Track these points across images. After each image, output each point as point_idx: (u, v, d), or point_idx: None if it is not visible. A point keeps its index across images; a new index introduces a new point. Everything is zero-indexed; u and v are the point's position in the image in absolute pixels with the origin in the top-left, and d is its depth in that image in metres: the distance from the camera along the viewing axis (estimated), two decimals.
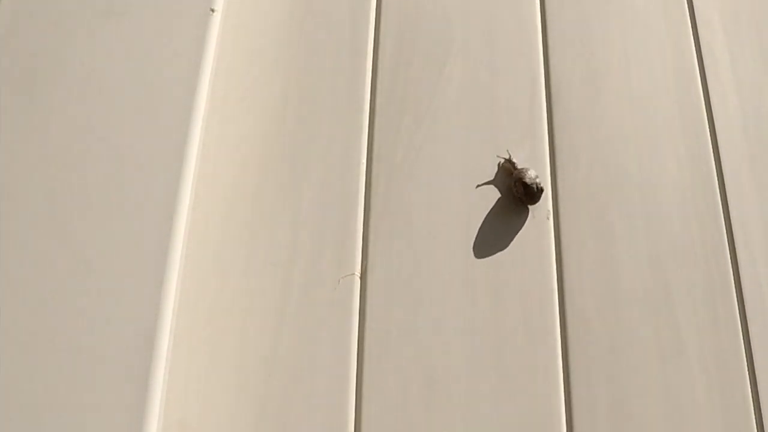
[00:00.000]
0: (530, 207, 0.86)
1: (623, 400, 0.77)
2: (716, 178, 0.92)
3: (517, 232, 0.85)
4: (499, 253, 0.83)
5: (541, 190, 0.85)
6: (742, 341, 0.82)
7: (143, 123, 0.72)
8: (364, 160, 0.85)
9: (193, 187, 0.71)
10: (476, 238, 0.83)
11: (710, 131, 0.95)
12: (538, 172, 0.87)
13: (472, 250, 0.83)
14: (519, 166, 0.87)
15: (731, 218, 0.89)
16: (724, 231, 0.88)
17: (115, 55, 0.75)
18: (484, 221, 0.85)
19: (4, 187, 0.68)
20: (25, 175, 0.69)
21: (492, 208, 0.86)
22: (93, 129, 0.72)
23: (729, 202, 0.90)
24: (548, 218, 0.86)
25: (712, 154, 0.93)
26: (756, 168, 0.93)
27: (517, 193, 0.85)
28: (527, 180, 0.84)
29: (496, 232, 0.84)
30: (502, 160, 0.88)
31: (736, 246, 0.87)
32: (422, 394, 0.74)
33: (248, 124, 0.85)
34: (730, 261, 0.86)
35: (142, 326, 0.63)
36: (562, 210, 0.87)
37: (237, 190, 0.81)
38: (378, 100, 0.90)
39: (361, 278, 0.79)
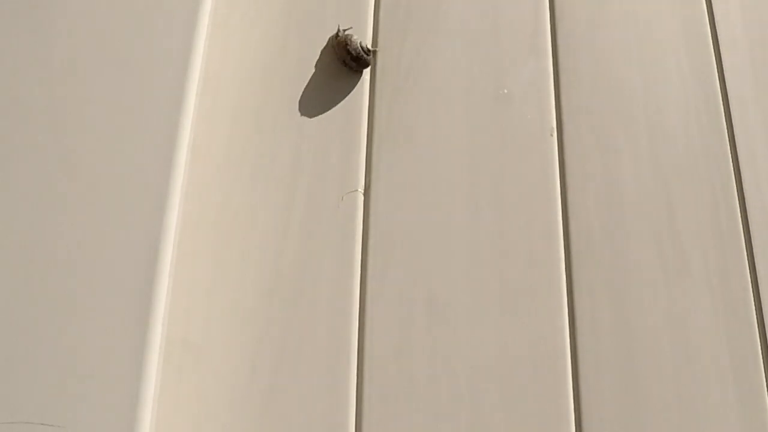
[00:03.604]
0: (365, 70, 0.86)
1: (627, 318, 0.77)
2: (720, 92, 0.91)
3: (348, 94, 0.84)
4: (502, 170, 0.83)
5: (368, 52, 0.84)
6: (745, 256, 0.82)
7: (146, 40, 0.72)
8: (367, 77, 0.85)
9: (197, 103, 0.71)
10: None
11: (713, 46, 0.94)
12: (541, 88, 0.87)
13: (475, 166, 0.82)
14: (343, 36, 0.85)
15: (735, 132, 0.89)
16: (728, 145, 0.88)
17: None
18: (311, 80, 0.84)
19: (6, 104, 0.67)
20: (26, 90, 0.68)
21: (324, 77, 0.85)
22: (95, 49, 0.71)
23: (732, 117, 0.90)
24: (552, 135, 0.86)
25: (715, 69, 0.93)
26: (759, 82, 0.93)
27: (349, 63, 0.84)
28: (352, 50, 0.83)
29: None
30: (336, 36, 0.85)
31: (739, 160, 0.87)
32: (425, 311, 0.75)
33: (251, 40, 0.84)
34: (733, 175, 0.86)
35: (144, 245, 0.63)
36: (566, 127, 0.87)
37: (241, 106, 0.81)
38: (381, 17, 0.89)
39: (364, 195, 0.79)
